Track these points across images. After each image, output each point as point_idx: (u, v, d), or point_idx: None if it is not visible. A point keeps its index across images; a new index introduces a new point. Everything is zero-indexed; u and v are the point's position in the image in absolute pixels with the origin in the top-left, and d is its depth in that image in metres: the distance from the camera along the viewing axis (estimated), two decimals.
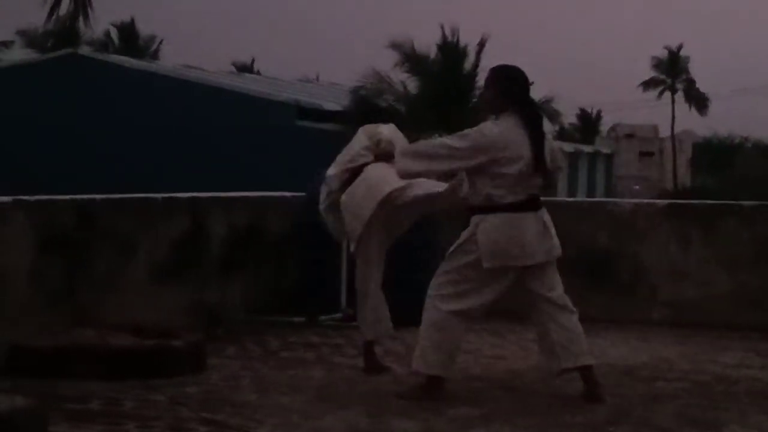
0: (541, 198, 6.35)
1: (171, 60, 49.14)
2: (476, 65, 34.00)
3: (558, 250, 6.30)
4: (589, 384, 6.32)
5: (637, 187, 68.07)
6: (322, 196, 7.07)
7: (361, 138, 7.02)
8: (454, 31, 34.38)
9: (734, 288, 9.36)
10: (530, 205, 6.21)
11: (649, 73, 78.02)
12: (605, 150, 56.20)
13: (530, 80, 6.40)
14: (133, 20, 58.42)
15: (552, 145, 6.45)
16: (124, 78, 30.42)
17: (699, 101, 76.82)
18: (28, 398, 4.85)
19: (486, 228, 6.15)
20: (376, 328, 7.05)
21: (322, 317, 9.11)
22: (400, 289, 7.30)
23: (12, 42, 49.93)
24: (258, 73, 54.67)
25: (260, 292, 9.31)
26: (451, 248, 6.31)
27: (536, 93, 6.51)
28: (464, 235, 6.26)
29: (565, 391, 6.47)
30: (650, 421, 5.89)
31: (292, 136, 27.42)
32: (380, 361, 7.13)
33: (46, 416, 4.93)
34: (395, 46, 33.43)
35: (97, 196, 8.01)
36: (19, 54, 44.01)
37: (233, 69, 55.84)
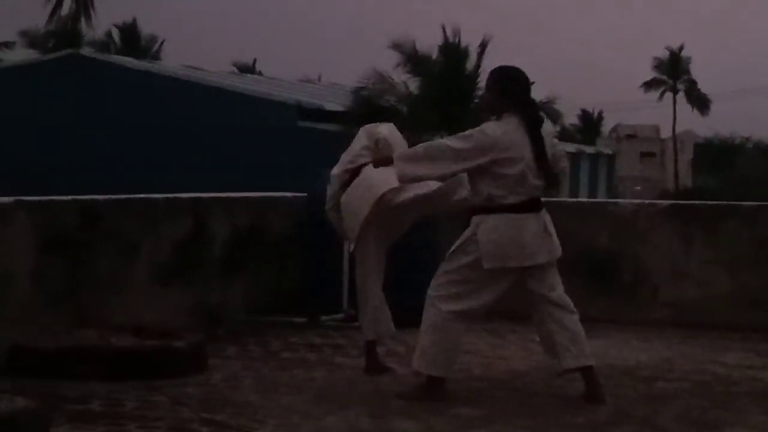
0: (543, 199, 6.35)
1: (172, 60, 49.20)
2: (478, 66, 33.99)
3: (558, 251, 6.31)
4: (591, 384, 6.33)
5: (639, 187, 68.05)
6: (328, 197, 7.09)
7: (361, 137, 7.02)
8: (456, 32, 34.38)
9: (735, 288, 9.36)
10: (531, 206, 6.21)
11: (650, 74, 78.12)
12: (607, 150, 56.20)
13: (531, 81, 6.40)
14: (134, 21, 58.54)
15: (555, 147, 6.45)
16: (126, 78, 30.43)
17: (700, 102, 76.83)
18: (30, 399, 4.85)
19: (486, 228, 6.15)
20: (377, 329, 7.05)
21: (324, 317, 9.11)
22: (401, 289, 7.31)
23: (13, 43, 49.96)
24: (259, 73, 54.70)
25: (262, 292, 9.32)
26: (452, 248, 6.31)
27: (538, 94, 6.51)
28: (465, 235, 6.26)
29: (565, 391, 6.48)
30: (651, 422, 5.89)
31: (293, 136, 27.43)
32: (382, 362, 7.13)
33: (47, 417, 4.94)
34: (397, 46, 33.43)
35: (99, 197, 8.02)
36: (21, 54, 44.00)
37: (234, 69, 55.89)
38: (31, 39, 53.03)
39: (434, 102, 31.71)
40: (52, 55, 34.64)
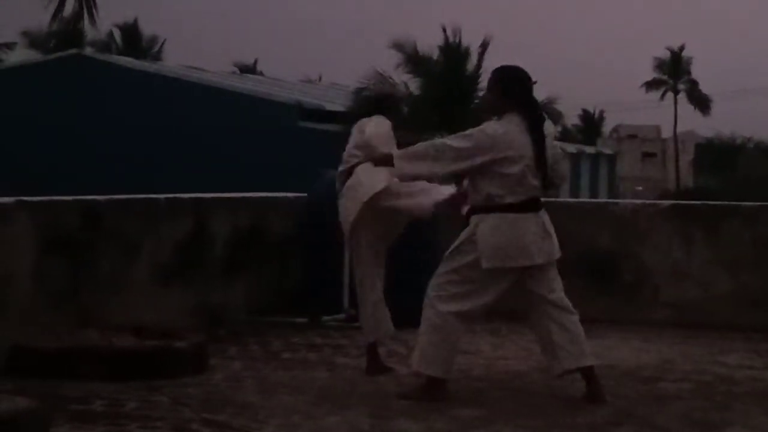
0: (543, 199, 6.34)
1: (173, 61, 49.21)
2: (479, 66, 33.98)
3: (557, 252, 6.30)
4: (591, 384, 6.32)
5: (640, 187, 68.03)
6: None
7: (354, 135, 7.04)
8: (457, 32, 34.37)
9: (736, 289, 9.36)
10: (531, 206, 6.20)
11: (651, 74, 78.08)
12: (608, 151, 56.19)
13: (534, 81, 6.39)
14: (135, 21, 58.53)
15: (556, 148, 6.43)
16: (127, 79, 30.45)
17: (701, 102, 76.77)
18: (31, 399, 4.86)
19: (485, 228, 6.14)
20: (377, 330, 7.06)
21: (325, 318, 9.11)
22: (401, 289, 7.31)
23: (14, 43, 49.95)
24: (260, 73, 54.68)
25: (263, 292, 9.32)
26: (450, 248, 6.30)
27: (539, 94, 6.49)
28: (463, 235, 6.25)
29: (566, 391, 6.48)
30: (652, 422, 5.89)
31: (294, 136, 27.45)
32: (383, 363, 7.14)
33: (48, 417, 4.94)
34: (397, 46, 33.42)
35: (101, 197, 8.03)
36: (22, 55, 44.03)
37: (235, 70, 55.87)
38: (32, 39, 53.03)
39: (435, 102, 31.72)
40: (53, 56, 34.67)
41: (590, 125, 78.59)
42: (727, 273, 9.40)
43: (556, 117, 35.33)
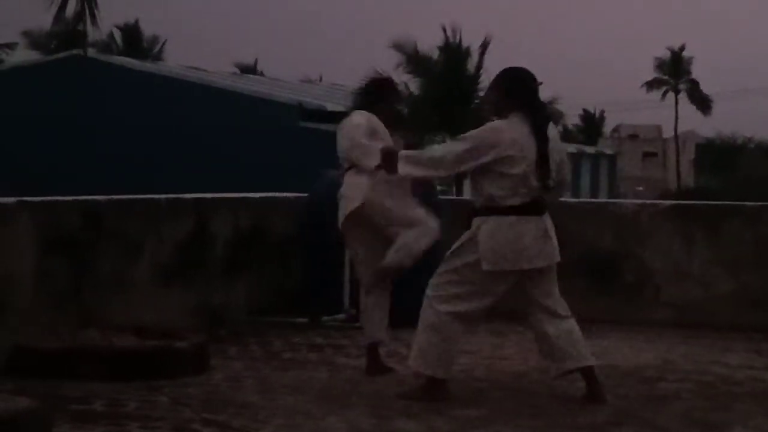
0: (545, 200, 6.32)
1: (174, 61, 49.20)
2: (479, 66, 33.98)
3: (557, 256, 6.29)
4: (591, 385, 6.32)
5: (641, 187, 68.02)
6: None
7: (338, 138, 7.10)
8: (457, 32, 34.38)
9: (737, 289, 9.36)
10: (533, 208, 6.19)
11: (651, 74, 78.06)
12: (608, 151, 56.20)
13: (539, 81, 6.40)
14: (136, 22, 58.53)
15: (562, 153, 6.41)
16: (128, 79, 30.46)
17: (702, 102, 76.73)
18: (31, 399, 4.86)
19: (487, 231, 6.14)
20: (378, 330, 7.06)
21: (326, 318, 9.12)
22: (401, 289, 7.30)
23: (15, 43, 49.94)
24: (261, 74, 54.68)
25: (264, 293, 9.32)
26: (451, 249, 6.30)
27: (540, 94, 6.48)
28: (465, 236, 6.25)
29: (567, 391, 6.48)
30: (653, 422, 5.89)
31: (294, 136, 27.44)
32: (384, 363, 7.14)
33: (49, 417, 4.94)
34: (397, 46, 33.43)
35: (102, 197, 8.03)
36: (23, 55, 44.04)
37: (236, 70, 55.85)
38: (33, 40, 53.03)
39: (435, 102, 31.75)
40: (54, 56, 34.68)
41: (591, 125, 78.53)
42: (728, 273, 9.39)
43: (557, 117, 35.38)
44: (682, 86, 77.05)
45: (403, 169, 6.30)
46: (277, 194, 10.06)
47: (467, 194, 10.09)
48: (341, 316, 9.13)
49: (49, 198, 7.65)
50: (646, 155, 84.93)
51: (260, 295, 9.29)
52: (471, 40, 34.26)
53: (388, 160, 6.40)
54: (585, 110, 78.96)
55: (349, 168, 6.87)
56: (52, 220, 7.45)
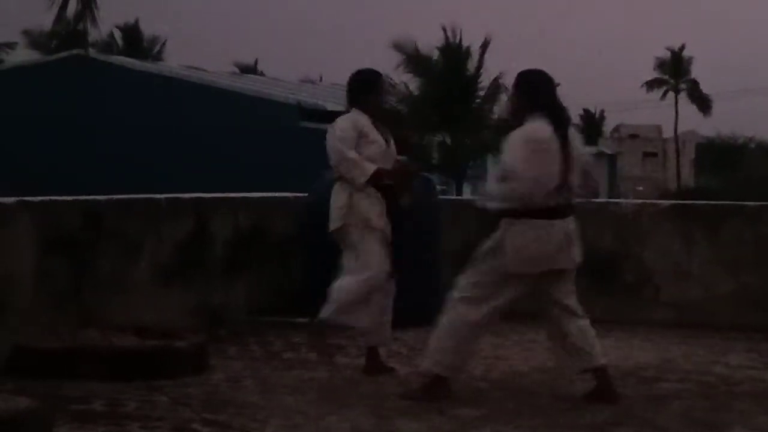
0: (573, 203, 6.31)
1: (174, 61, 49.24)
2: (479, 66, 33.97)
3: (579, 259, 6.32)
4: (603, 384, 6.33)
5: (641, 187, 68.03)
6: None
7: (327, 140, 7.21)
8: (457, 32, 34.37)
9: (737, 289, 9.35)
10: (559, 211, 6.19)
11: (652, 74, 78.07)
12: (608, 151, 56.23)
13: (556, 83, 6.43)
14: (136, 22, 58.59)
15: (583, 156, 6.43)
16: (128, 79, 30.46)
17: (702, 102, 76.75)
18: (32, 399, 4.86)
19: (514, 233, 6.14)
20: (378, 333, 7.06)
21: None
22: (401, 290, 7.30)
23: (15, 43, 50.00)
24: (261, 74, 54.70)
25: (263, 292, 9.32)
26: (478, 251, 6.29)
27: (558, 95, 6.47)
28: (492, 238, 6.24)
29: (567, 391, 6.48)
30: (653, 422, 5.89)
31: (294, 136, 27.43)
32: (383, 363, 7.13)
33: (49, 417, 4.94)
34: (397, 46, 33.42)
35: (101, 197, 8.03)
36: (23, 55, 44.06)
37: (236, 70, 55.88)
38: (33, 39, 53.07)
39: (435, 102, 31.73)
40: (55, 56, 34.68)
41: (591, 125, 78.48)
42: (728, 273, 9.39)
43: None
44: (682, 86, 77.08)
45: (481, 204, 6.34)
46: (277, 194, 10.06)
47: (466, 195, 10.06)
48: None
49: (49, 198, 7.64)
50: (646, 155, 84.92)
51: (260, 295, 9.28)
52: (471, 40, 34.27)
53: (400, 181, 6.63)
54: (585, 110, 78.98)
55: (339, 178, 6.95)
56: (52, 220, 7.45)
